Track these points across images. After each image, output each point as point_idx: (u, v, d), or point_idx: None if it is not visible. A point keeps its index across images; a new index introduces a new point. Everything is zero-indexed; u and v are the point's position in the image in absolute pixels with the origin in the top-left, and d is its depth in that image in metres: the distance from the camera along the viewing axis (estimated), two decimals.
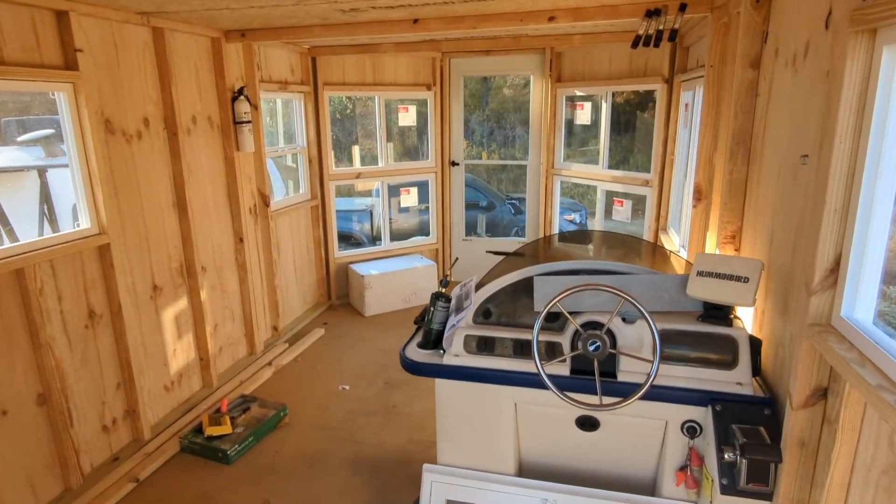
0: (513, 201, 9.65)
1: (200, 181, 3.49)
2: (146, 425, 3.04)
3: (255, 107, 3.88)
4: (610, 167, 4.72)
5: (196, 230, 3.43)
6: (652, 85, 4.19)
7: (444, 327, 2.23)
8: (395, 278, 4.97)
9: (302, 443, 3.09)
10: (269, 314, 4.35)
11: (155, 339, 3.17)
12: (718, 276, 1.91)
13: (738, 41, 2.32)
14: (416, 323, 2.45)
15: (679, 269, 2.55)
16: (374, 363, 4.02)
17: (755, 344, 1.89)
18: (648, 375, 1.75)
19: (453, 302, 2.25)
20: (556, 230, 5.38)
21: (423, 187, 5.57)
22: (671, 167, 4.07)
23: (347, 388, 3.67)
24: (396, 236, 8.94)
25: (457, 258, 2.64)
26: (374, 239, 9.27)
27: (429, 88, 5.24)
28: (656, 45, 2.86)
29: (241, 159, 3.84)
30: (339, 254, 5.20)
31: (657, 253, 2.94)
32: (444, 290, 2.22)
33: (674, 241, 3.86)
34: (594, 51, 4.64)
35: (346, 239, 8.53)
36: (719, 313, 1.93)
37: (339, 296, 5.27)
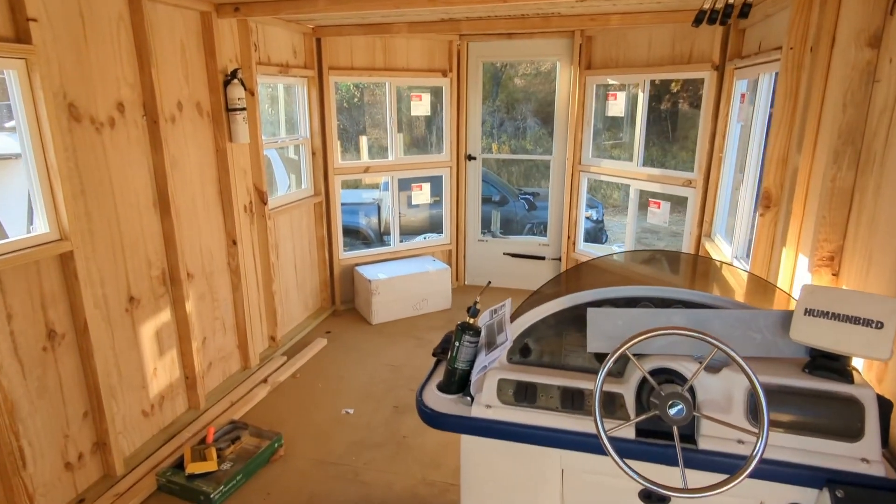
0: (526, 196, 9.18)
1: (187, 176, 3.06)
2: (118, 459, 2.64)
3: (251, 92, 3.43)
4: (645, 164, 4.25)
5: (181, 232, 3.01)
6: (699, 73, 3.72)
7: (472, 366, 1.80)
8: (405, 283, 4.54)
9: (298, 482, 2.67)
10: (266, 323, 3.93)
11: (131, 359, 2.76)
12: (837, 317, 1.46)
13: (841, 15, 1.85)
14: (434, 356, 2.02)
15: (764, 300, 2.09)
16: (381, 381, 3.60)
17: (885, 407, 1.45)
18: (754, 452, 1.31)
19: (483, 335, 1.82)
20: (580, 231, 4.92)
21: (435, 183, 5.12)
22: (719, 166, 3.60)
23: (352, 412, 3.25)
24: (405, 232, 8.52)
25: (489, 282, 2.17)
26: (382, 235, 8.86)
27: (444, 75, 4.78)
28: (722, 23, 2.39)
29: (235, 151, 3.41)
30: (345, 255, 4.77)
31: (718, 273, 2.49)
32: (471, 321, 1.79)
33: (723, 251, 3.40)
34: (630, 34, 4.16)
35: (353, 234, 8.12)
36: (834, 364, 1.48)
37: (343, 300, 4.85)
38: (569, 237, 4.94)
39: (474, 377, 1.75)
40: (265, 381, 3.53)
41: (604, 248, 6.07)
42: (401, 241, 5.07)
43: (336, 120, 4.41)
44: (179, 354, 3.09)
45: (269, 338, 3.98)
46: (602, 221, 8.35)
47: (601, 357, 1.69)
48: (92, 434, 2.55)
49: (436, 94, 4.91)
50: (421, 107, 4.78)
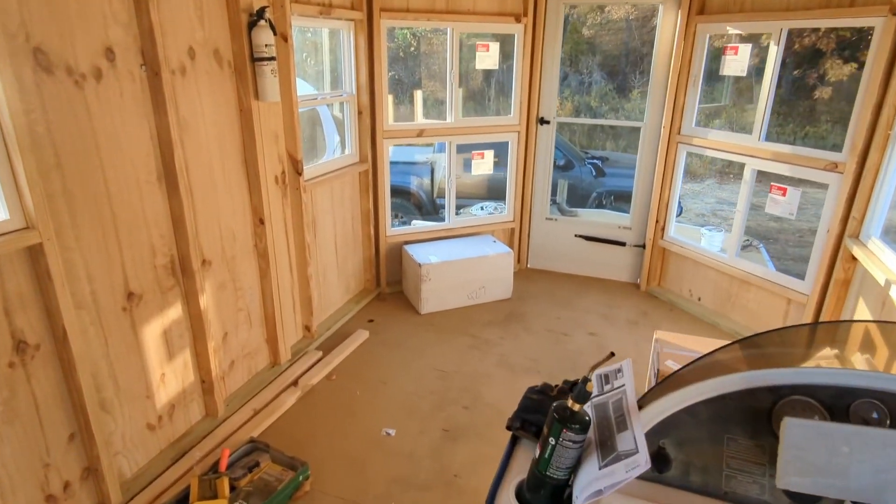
0: (594, 161, 8.28)
1: (201, 143, 2.49)
2: (113, 485, 2.20)
3: (282, 37, 2.79)
4: (769, 139, 3.38)
5: (194, 212, 2.47)
6: (866, 19, 2.79)
7: (571, 474, 1.17)
8: (460, 268, 3.92)
9: None
10: (301, 312, 3.42)
11: (131, 366, 2.29)
12: None
13: None
14: (510, 429, 1.40)
15: None
16: (429, 392, 3.04)
17: None
18: None
19: (593, 429, 1.18)
20: (673, 215, 4.12)
21: (499, 150, 4.40)
22: (883, 147, 2.72)
23: (393, 433, 2.72)
24: (459, 196, 7.84)
25: (612, 354, 1.45)
26: (435, 199, 8.23)
27: (518, 20, 3.97)
28: None
29: (264, 112, 2.80)
30: (393, 231, 4.17)
31: None
32: (576, 408, 1.14)
33: (884, 260, 2.57)
34: None
35: (402, 195, 7.50)
36: None
37: (390, 282, 4.29)
38: (657, 221, 4.15)
39: (580, 499, 1.12)
40: (295, 383, 3.04)
41: (686, 231, 5.18)
42: (457, 214, 4.41)
43: (387, 73, 3.73)
44: (194, 355, 2.61)
45: (304, 328, 3.47)
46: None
47: (802, 500, 1.02)
48: (81, 458, 2.11)
49: (505, 44, 4.11)
50: (487, 59, 4.01)
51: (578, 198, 7.61)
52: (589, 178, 8.07)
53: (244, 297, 2.91)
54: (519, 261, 4.69)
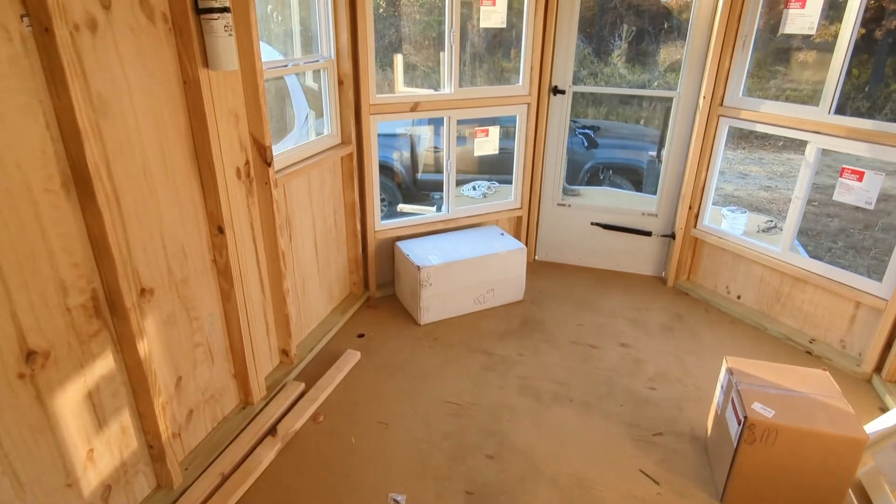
0: (585, 130, 7.67)
1: (128, 129, 1.78)
2: None
3: None
4: (839, 112, 2.81)
5: (124, 226, 1.78)
6: None
7: None
8: (465, 270, 3.30)
9: None
10: (276, 334, 2.77)
11: (39, 451, 1.62)
12: None
13: None
14: None
15: None
16: (442, 437, 2.45)
17: None
18: None
19: None
20: (709, 202, 3.55)
21: (505, 124, 3.75)
22: None
23: (402, 500, 2.13)
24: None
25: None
26: (416, 178, 7.53)
27: None
28: None
29: (217, 84, 2.09)
30: (382, 225, 3.51)
31: None
32: None
33: None
34: None
35: (383, 172, 6.81)
36: None
37: (380, 284, 3.65)
38: (690, 207, 3.58)
39: None
40: (273, 431, 2.41)
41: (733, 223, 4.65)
42: (457, 206, 3.76)
43: (373, 33, 3.00)
44: (136, 416, 1.95)
45: (281, 352, 2.83)
46: (659, 157, 6.73)
47: None
48: None
49: None
50: (494, 15, 3.31)
51: (568, 172, 7.02)
52: (580, 150, 7.43)
53: (202, 329, 2.24)
54: (527, 253, 4.09)
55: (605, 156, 7.31)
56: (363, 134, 3.17)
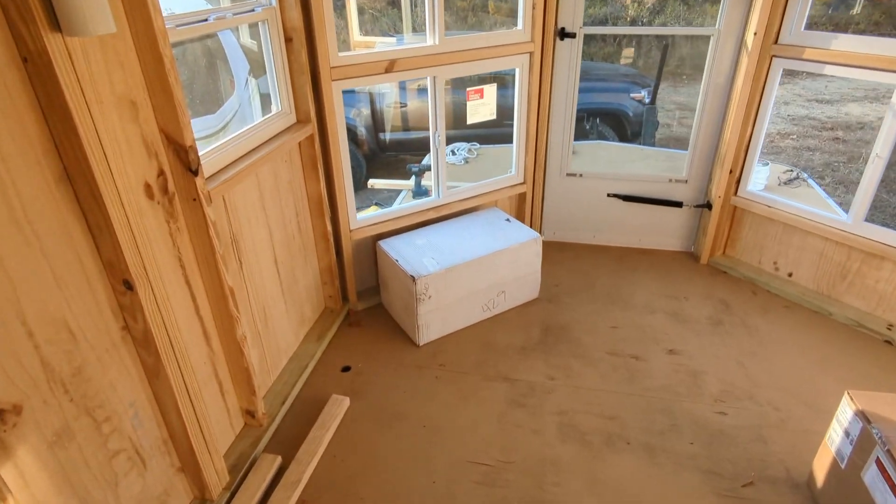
0: None
1: None
2: None
3: None
4: None
5: None
6: None
7: None
8: (471, 272, 2.62)
9: None
10: (235, 393, 2.06)
11: None
12: None
13: None
14: None
15: None
16: None
17: None
18: None
19: None
20: (754, 165, 2.93)
21: (501, 83, 3.00)
22: None
23: None
24: (414, 126, 6.39)
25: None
26: (379, 140, 6.71)
27: None
28: None
29: (88, 57, 1.28)
30: (360, 221, 2.77)
31: None
32: None
33: None
34: None
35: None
36: None
37: (361, 293, 2.95)
38: (731, 171, 2.96)
39: None
40: None
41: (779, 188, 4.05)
42: (415, 169, 3.03)
43: None
44: None
45: (245, 414, 2.13)
46: (654, 105, 6.04)
47: None
48: None
49: None
50: None
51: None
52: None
53: (121, 429, 1.51)
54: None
55: (588, 101, 6.59)
56: (325, 108, 2.37)
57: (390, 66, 2.46)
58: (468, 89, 2.79)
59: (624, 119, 6.37)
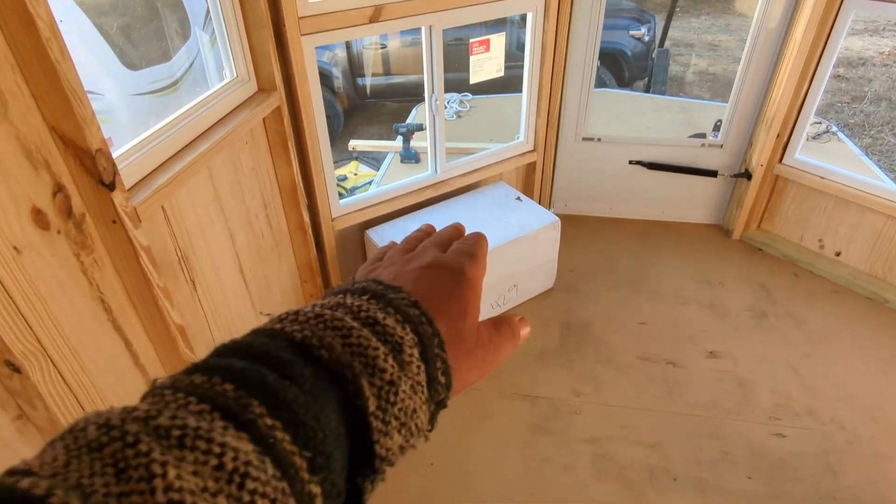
0: None
1: None
2: None
3: None
4: None
5: None
6: None
7: None
8: None
9: None
10: None
11: None
12: None
13: None
14: None
15: None
16: None
17: None
18: None
19: None
20: (805, 127, 2.50)
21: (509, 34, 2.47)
22: None
23: None
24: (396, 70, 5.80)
25: None
26: (357, 86, 6.09)
27: None
28: None
29: None
30: (343, 207, 2.30)
31: None
32: None
33: None
34: None
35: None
36: None
37: None
38: (779, 136, 2.52)
39: None
40: None
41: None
42: (397, 133, 2.54)
43: None
44: None
45: None
46: (665, 49, 5.44)
47: None
48: None
49: None
50: None
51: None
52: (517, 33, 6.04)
53: None
54: (540, 201, 3.00)
55: None
56: (295, 70, 1.85)
57: (376, 15, 1.92)
58: (471, 40, 2.26)
59: (622, 60, 5.78)
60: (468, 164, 2.57)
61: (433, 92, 2.25)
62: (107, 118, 2.54)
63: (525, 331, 0.36)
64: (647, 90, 5.20)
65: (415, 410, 0.27)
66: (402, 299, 0.29)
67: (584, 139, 2.83)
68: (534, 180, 2.85)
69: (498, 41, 2.31)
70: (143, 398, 0.23)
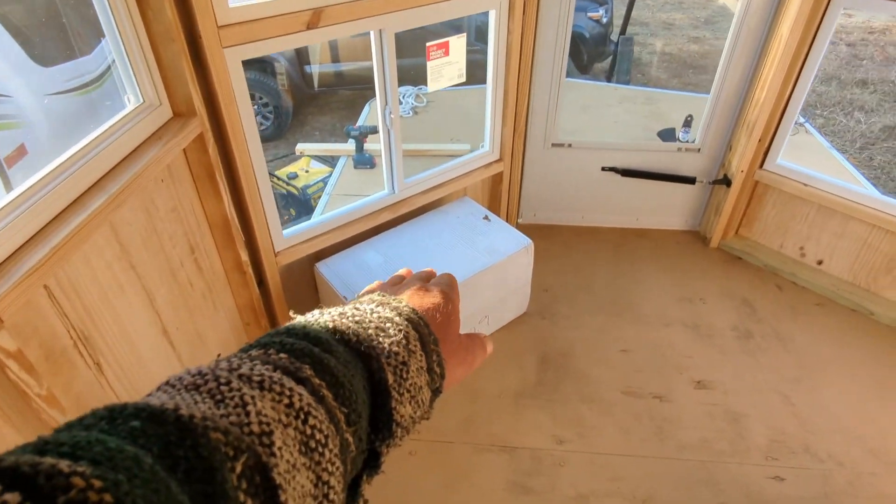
0: None
1: None
2: None
3: None
4: None
5: None
6: None
7: None
8: None
9: None
10: None
11: None
12: None
13: None
14: None
15: None
16: None
17: None
18: None
19: None
20: (788, 132, 2.33)
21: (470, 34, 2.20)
22: None
23: None
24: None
25: None
26: (303, 69, 5.72)
27: None
28: None
29: None
30: (288, 238, 2.00)
31: None
32: None
33: None
34: None
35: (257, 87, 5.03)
36: None
37: None
38: (760, 140, 2.36)
39: None
40: None
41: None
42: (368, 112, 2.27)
43: None
44: None
45: None
46: (628, 36, 5.24)
47: None
48: None
49: None
50: None
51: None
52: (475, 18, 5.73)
53: None
54: (507, 216, 2.78)
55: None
56: (218, 89, 1.53)
57: (314, 20, 1.61)
58: (428, 45, 1.98)
59: (581, 43, 5.57)
60: (430, 179, 2.31)
61: (387, 104, 1.96)
62: (17, 122, 2.15)
63: (490, 346, 0.45)
64: (609, 79, 5.00)
65: (421, 387, 0.33)
66: (405, 307, 0.36)
67: (553, 145, 2.60)
68: (500, 192, 2.62)
69: (457, 43, 2.03)
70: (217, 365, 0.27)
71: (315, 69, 5.72)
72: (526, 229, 2.78)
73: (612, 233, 2.82)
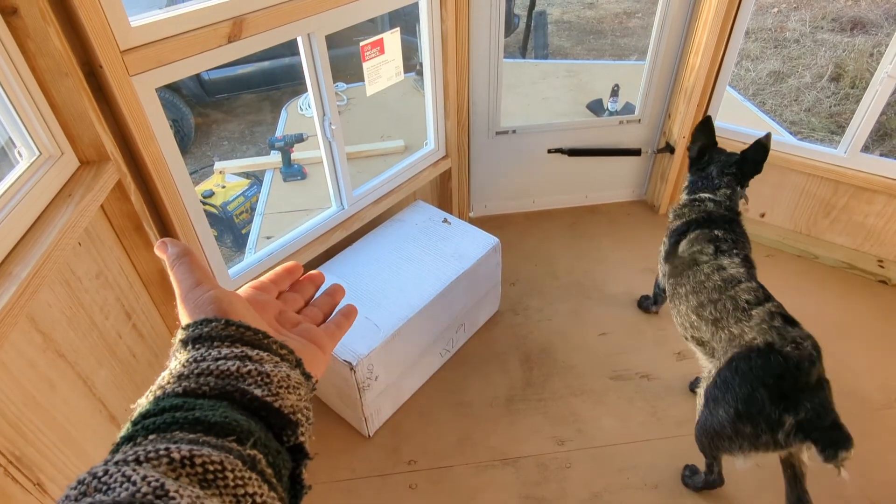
0: None
1: None
2: None
3: None
4: None
5: None
6: None
7: None
8: (424, 321, 1.82)
9: None
10: None
11: None
12: None
13: None
14: None
15: None
16: None
17: None
18: None
19: None
20: (721, 95, 2.36)
21: (403, 28, 2.04)
22: None
23: None
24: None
25: None
26: (202, 74, 5.30)
27: None
28: None
29: None
30: (235, 278, 1.78)
31: None
32: None
33: None
34: None
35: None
36: None
37: None
38: (698, 105, 2.38)
39: None
40: None
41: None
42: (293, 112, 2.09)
43: None
44: None
45: None
46: (542, 10, 5.23)
47: None
48: None
49: None
50: None
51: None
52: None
53: None
54: (459, 211, 2.66)
55: None
56: (132, 125, 1.29)
57: (236, 31, 1.39)
58: (362, 44, 1.79)
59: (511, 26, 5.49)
60: (380, 187, 2.13)
61: (325, 114, 1.77)
62: None
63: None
64: (523, 55, 4.96)
65: (288, 375, 0.35)
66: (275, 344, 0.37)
67: (497, 133, 2.50)
68: (450, 189, 2.49)
69: (392, 39, 1.86)
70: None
71: (211, 75, 5.26)
72: (479, 222, 2.68)
73: (565, 213, 2.78)
